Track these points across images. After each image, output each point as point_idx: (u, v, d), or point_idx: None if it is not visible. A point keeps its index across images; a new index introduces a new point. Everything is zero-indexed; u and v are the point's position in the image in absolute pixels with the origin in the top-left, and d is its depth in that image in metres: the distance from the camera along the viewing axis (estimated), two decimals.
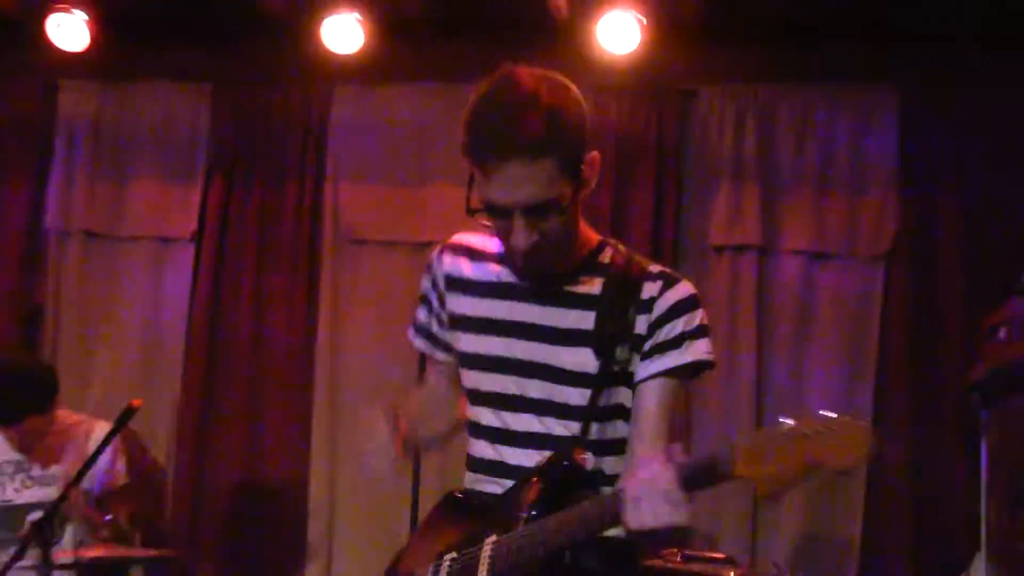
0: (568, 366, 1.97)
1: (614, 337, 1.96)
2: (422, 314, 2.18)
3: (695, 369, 1.92)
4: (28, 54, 4.37)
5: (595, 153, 1.90)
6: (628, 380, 1.98)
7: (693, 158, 4.18)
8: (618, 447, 1.96)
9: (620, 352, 1.96)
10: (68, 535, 3.71)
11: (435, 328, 2.17)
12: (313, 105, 4.35)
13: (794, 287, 4.02)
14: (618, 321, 1.96)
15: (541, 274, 2.00)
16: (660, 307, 1.96)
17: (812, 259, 4.05)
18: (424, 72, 4.30)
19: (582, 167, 1.87)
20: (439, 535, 2.08)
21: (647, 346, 1.95)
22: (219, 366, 4.36)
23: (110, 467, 3.80)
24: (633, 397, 1.97)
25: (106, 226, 4.50)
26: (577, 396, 1.96)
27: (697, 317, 1.96)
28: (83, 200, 4.50)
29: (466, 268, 2.10)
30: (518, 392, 2.00)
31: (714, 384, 3.88)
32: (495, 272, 2.07)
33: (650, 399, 1.92)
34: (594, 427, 1.95)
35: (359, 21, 3.96)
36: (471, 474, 2.11)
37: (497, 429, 2.05)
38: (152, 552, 3.92)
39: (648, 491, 1.66)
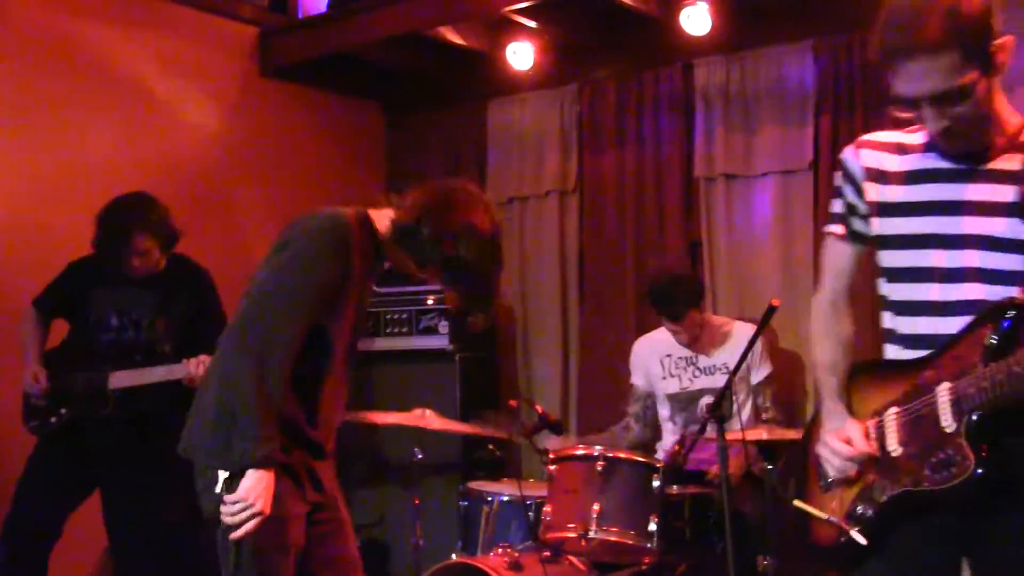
0: (998, 235, 1.98)
1: None
2: (837, 206, 2.23)
3: None
4: (668, 43, 5.03)
5: (1007, 39, 1.92)
6: None
7: None
8: None
9: None
10: (738, 416, 3.95)
11: (850, 218, 2.21)
12: None
13: None
14: None
15: (965, 153, 2.02)
16: None
17: None
18: None
19: (990, 53, 1.90)
20: (866, 400, 2.14)
21: None
22: None
23: (760, 358, 4.22)
24: None
25: (741, 168, 4.96)
26: (1009, 262, 1.98)
27: None
28: (721, 151, 4.99)
29: (887, 161, 2.13)
30: (951, 265, 2.02)
31: None
32: (919, 160, 2.10)
33: None
34: None
35: None
36: (889, 346, 2.16)
37: (923, 302, 2.06)
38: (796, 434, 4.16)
39: None
